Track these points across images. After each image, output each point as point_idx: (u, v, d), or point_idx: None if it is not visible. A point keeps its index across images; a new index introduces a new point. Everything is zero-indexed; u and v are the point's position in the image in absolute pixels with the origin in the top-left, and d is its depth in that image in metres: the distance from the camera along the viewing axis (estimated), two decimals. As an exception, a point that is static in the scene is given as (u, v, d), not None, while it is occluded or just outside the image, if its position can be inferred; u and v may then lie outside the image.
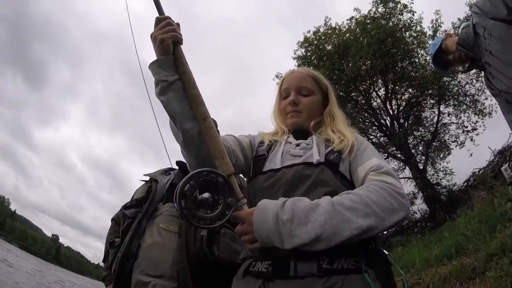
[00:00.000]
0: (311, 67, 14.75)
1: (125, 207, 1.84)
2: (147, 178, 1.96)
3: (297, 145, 1.23)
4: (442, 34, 13.49)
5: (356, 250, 0.95)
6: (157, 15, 1.11)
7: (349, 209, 0.88)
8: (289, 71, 1.49)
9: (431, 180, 13.71)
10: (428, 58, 14.51)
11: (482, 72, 2.19)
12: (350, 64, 14.04)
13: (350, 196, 0.93)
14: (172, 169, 2.05)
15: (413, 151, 14.48)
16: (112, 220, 2.02)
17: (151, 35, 1.08)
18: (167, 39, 1.06)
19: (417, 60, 14.68)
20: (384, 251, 1.03)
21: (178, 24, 1.12)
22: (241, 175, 1.37)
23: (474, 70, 13.13)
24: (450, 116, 14.84)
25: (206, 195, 0.91)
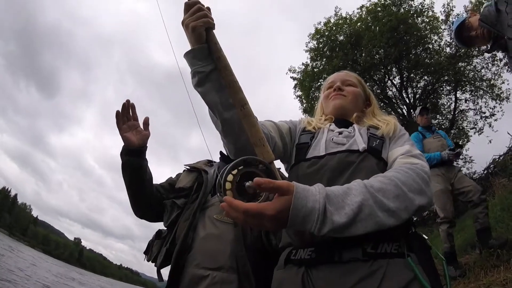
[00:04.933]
0: (324, 59, 14.63)
1: (176, 195, 1.75)
2: (188, 167, 1.89)
3: (340, 133, 1.24)
4: (455, 18, 13.23)
5: (398, 235, 0.96)
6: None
7: (380, 190, 0.87)
8: (336, 72, 1.55)
9: (451, 169, 13.44)
10: (442, 43, 14.26)
11: (505, 54, 2.17)
12: (364, 54, 13.90)
13: (379, 178, 0.93)
14: (211, 161, 1.99)
15: (431, 139, 14.23)
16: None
17: (182, 22, 1.05)
18: (200, 26, 1.01)
19: (431, 46, 14.43)
20: (424, 236, 1.04)
21: (208, 8, 1.07)
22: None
23: (488, 54, 12.97)
24: (467, 102, 14.56)
25: (249, 183, 0.85)
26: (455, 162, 4.43)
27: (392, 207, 0.86)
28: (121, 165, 1.69)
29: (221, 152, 1.95)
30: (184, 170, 1.92)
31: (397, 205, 0.87)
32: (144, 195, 1.72)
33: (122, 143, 1.68)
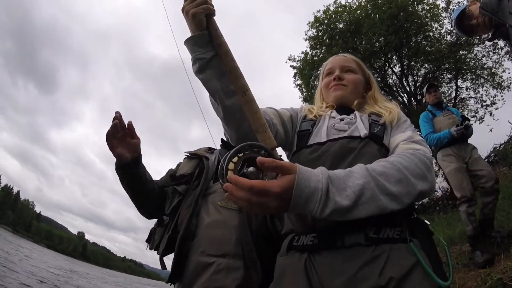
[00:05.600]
0: (324, 47, 14.53)
1: (176, 182, 1.72)
2: (189, 154, 1.88)
3: (341, 119, 1.24)
4: (456, 5, 13.11)
5: (400, 220, 0.97)
6: None
7: (382, 174, 0.87)
8: (334, 56, 1.51)
9: (451, 157, 13.42)
10: (442, 31, 14.14)
11: (506, 42, 2.15)
12: (363, 42, 13.78)
13: (382, 162, 0.93)
14: (212, 148, 1.97)
15: (432, 128, 14.18)
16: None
17: (182, 9, 1.04)
18: (200, 13, 1.00)
19: (431, 34, 14.27)
20: (426, 221, 1.03)
21: None
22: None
23: (490, 42, 12.87)
24: (468, 90, 14.42)
25: (251, 169, 0.84)
26: (468, 139, 4.07)
27: (394, 191, 0.86)
28: (118, 178, 1.63)
29: (222, 140, 1.93)
30: (184, 158, 1.90)
31: (399, 189, 0.87)
32: (148, 201, 1.69)
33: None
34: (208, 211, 1.59)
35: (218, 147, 1.97)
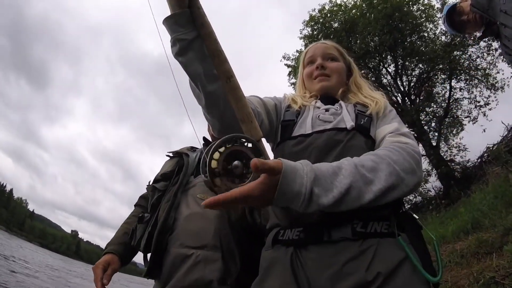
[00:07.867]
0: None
1: (154, 181, 1.76)
2: (170, 154, 1.91)
3: (326, 110, 1.20)
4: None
5: (388, 214, 0.94)
6: None
7: (372, 170, 0.85)
8: (314, 43, 1.47)
9: (444, 157, 13.54)
10: (437, 32, 14.23)
11: (498, 41, 2.12)
12: (358, 41, 13.83)
13: (371, 156, 0.90)
14: (194, 147, 1.98)
15: (425, 127, 14.29)
16: (140, 200, 1.91)
17: None
18: None
19: (426, 35, 14.37)
20: (414, 215, 1.01)
21: None
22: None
23: (484, 44, 12.94)
24: (462, 91, 14.57)
25: (236, 163, 0.82)
26: None
27: (383, 186, 0.84)
28: None
29: (204, 138, 1.91)
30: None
31: (389, 185, 0.85)
32: None
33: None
34: (188, 203, 1.60)
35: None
